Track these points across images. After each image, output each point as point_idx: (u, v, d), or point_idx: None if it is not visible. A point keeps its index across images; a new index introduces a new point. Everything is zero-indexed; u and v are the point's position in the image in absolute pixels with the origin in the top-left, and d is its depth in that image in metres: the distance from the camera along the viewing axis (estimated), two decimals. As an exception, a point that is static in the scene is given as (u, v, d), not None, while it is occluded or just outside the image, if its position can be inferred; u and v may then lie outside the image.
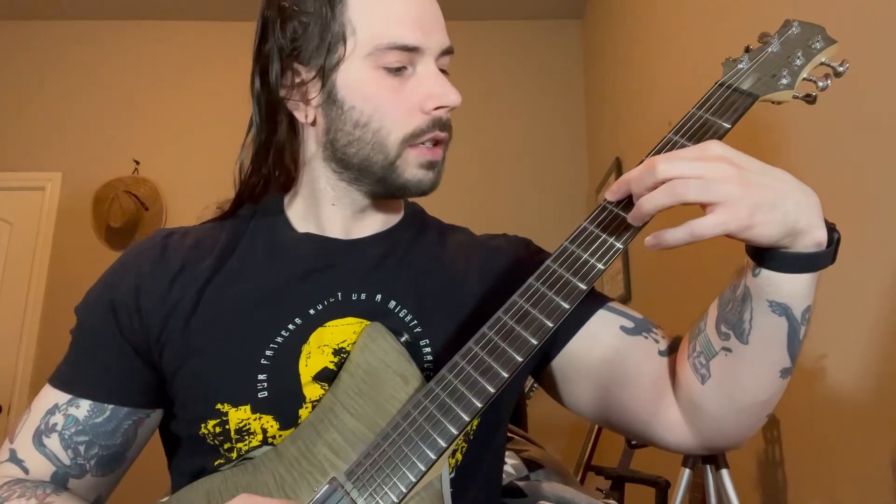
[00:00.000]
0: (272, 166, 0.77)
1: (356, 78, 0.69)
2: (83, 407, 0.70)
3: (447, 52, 0.72)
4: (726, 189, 0.52)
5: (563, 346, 0.73)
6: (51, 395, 0.72)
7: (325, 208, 0.76)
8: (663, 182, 0.54)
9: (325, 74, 0.69)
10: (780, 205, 0.54)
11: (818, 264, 0.58)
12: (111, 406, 0.71)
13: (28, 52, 3.63)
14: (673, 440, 0.70)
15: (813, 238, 0.56)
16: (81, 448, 0.70)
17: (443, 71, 0.72)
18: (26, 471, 0.70)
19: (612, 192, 0.59)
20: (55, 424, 0.70)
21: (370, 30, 0.68)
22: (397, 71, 0.68)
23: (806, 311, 0.60)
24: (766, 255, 0.57)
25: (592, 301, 0.74)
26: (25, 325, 3.28)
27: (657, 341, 0.72)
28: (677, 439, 0.70)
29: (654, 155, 0.60)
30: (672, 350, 0.71)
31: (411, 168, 0.70)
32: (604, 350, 0.72)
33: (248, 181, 0.78)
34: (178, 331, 0.69)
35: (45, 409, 0.71)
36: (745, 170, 0.54)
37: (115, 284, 0.73)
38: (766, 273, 0.58)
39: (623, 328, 0.72)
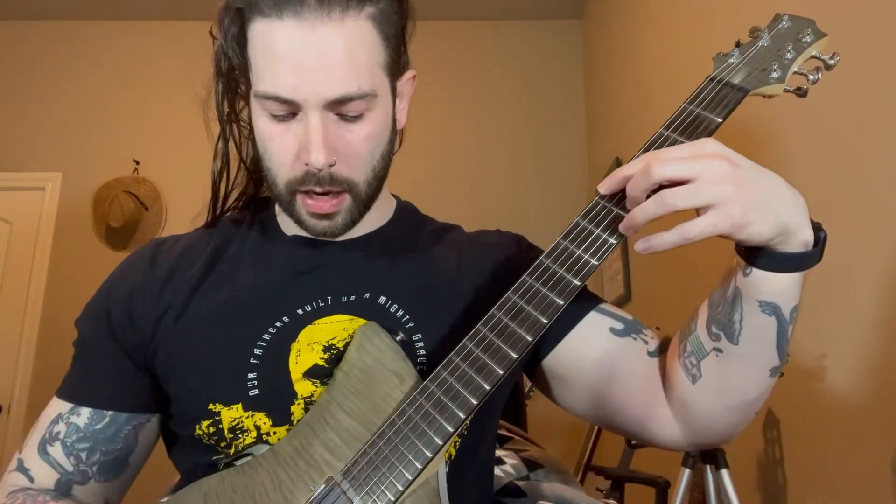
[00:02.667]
0: (245, 169, 0.79)
1: (253, 116, 0.70)
2: (83, 415, 0.72)
3: (338, 102, 0.64)
4: (719, 189, 0.52)
5: (553, 346, 0.73)
6: (55, 406, 0.74)
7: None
8: (658, 184, 0.54)
9: (246, 101, 0.71)
10: (773, 204, 0.54)
11: (806, 263, 0.58)
12: (110, 412, 0.73)
13: (28, 52, 3.63)
14: (664, 438, 0.71)
15: (801, 238, 0.56)
16: (83, 455, 0.72)
17: (353, 118, 0.66)
18: (32, 479, 0.71)
19: (605, 186, 0.59)
20: (58, 433, 0.72)
21: (256, 73, 0.66)
22: (283, 117, 0.66)
23: (794, 311, 0.61)
24: (756, 255, 0.58)
25: (584, 303, 0.74)
26: (25, 325, 3.28)
27: (646, 342, 0.72)
28: (668, 437, 0.71)
29: (645, 151, 0.60)
30: (662, 350, 0.72)
31: (304, 215, 0.70)
32: (594, 352, 0.72)
33: (216, 188, 0.80)
34: (169, 334, 0.71)
35: (49, 418, 0.73)
36: (740, 167, 0.54)
37: (109, 295, 0.75)
38: (756, 273, 0.58)
39: (613, 330, 0.73)
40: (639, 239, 0.55)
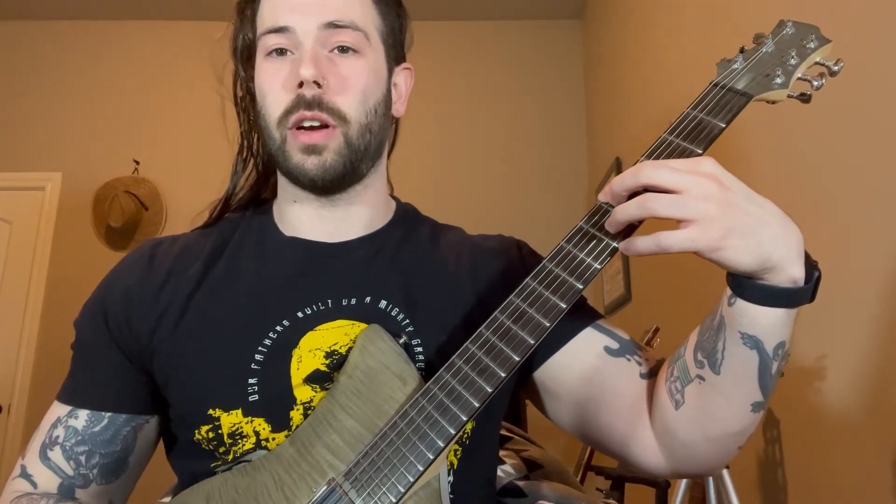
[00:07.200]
0: (255, 167, 0.82)
1: (256, 71, 0.74)
2: (81, 417, 0.72)
3: (331, 25, 0.70)
4: (703, 206, 0.51)
5: (545, 359, 0.73)
6: (55, 410, 0.74)
7: (291, 207, 0.77)
8: (643, 186, 0.54)
9: (249, 75, 0.76)
10: (758, 233, 0.53)
11: (793, 301, 0.56)
12: (108, 414, 0.72)
13: (28, 52, 3.63)
14: (646, 462, 0.70)
15: (788, 273, 0.54)
16: (82, 458, 0.72)
17: (345, 52, 0.72)
18: (35, 485, 0.72)
19: (604, 193, 0.59)
20: (57, 437, 0.72)
21: (260, 23, 0.74)
22: (279, 54, 0.71)
23: (779, 347, 0.58)
24: (741, 285, 0.56)
25: (581, 317, 0.74)
26: (25, 325, 3.28)
27: (640, 364, 0.72)
28: (650, 461, 0.69)
29: (647, 156, 0.61)
30: (653, 374, 0.71)
31: (294, 153, 0.71)
32: (585, 369, 0.72)
33: (232, 181, 0.82)
34: (167, 338, 0.70)
35: (49, 423, 0.73)
36: (730, 191, 0.53)
37: (105, 296, 0.75)
38: (740, 303, 0.57)
39: (607, 348, 0.72)
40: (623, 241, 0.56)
